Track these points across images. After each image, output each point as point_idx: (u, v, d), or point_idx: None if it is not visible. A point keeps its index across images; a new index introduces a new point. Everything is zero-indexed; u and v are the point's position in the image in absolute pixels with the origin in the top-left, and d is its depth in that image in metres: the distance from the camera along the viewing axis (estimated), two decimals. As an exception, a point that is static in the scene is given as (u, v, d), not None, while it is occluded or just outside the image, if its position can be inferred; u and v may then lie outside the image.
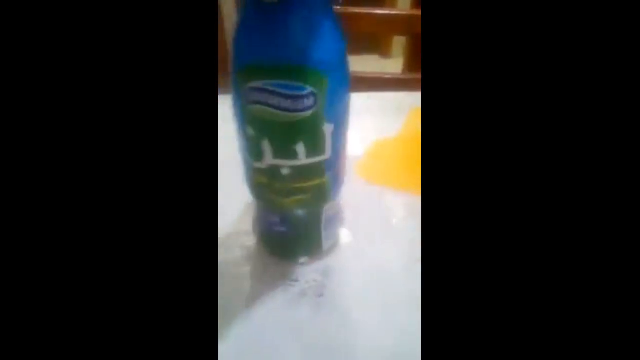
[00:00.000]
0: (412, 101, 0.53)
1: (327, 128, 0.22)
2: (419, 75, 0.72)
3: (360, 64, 1.18)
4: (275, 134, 0.22)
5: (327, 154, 0.24)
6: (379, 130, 0.47)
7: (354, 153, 0.38)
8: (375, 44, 2.60)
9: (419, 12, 0.74)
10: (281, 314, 0.27)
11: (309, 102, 0.21)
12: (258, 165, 0.24)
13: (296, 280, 0.30)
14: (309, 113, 0.21)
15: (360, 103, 0.35)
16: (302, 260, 0.31)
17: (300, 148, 0.22)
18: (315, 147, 0.23)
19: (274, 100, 0.21)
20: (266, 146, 0.23)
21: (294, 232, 0.29)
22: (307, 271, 0.30)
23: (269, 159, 0.23)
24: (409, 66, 1.75)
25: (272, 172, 0.24)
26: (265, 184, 0.25)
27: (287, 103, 0.21)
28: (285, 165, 0.23)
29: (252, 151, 0.24)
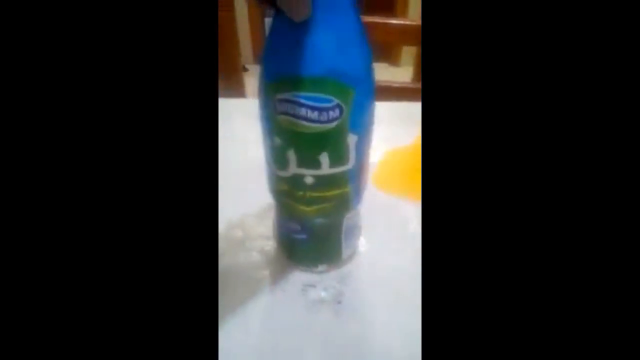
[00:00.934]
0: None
1: (351, 139, 0.23)
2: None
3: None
4: (300, 144, 0.23)
5: (350, 164, 0.24)
6: (390, 140, 0.48)
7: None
8: (385, 53, 2.61)
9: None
10: (300, 319, 0.28)
11: (334, 114, 0.21)
12: (282, 173, 0.25)
13: (314, 287, 0.30)
14: (334, 124, 0.22)
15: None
16: (321, 267, 0.31)
17: (324, 158, 0.23)
18: (338, 157, 0.24)
19: (301, 112, 0.21)
20: (291, 155, 0.23)
21: (314, 240, 0.29)
22: (326, 278, 0.31)
23: (293, 168, 0.24)
24: (418, 75, 1.76)
25: (296, 181, 0.25)
26: (287, 192, 0.26)
27: (313, 115, 0.21)
28: (309, 175, 0.24)
29: (277, 159, 0.24)
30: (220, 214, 0.34)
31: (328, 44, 0.20)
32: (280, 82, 0.21)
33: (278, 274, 0.31)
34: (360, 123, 0.23)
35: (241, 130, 0.50)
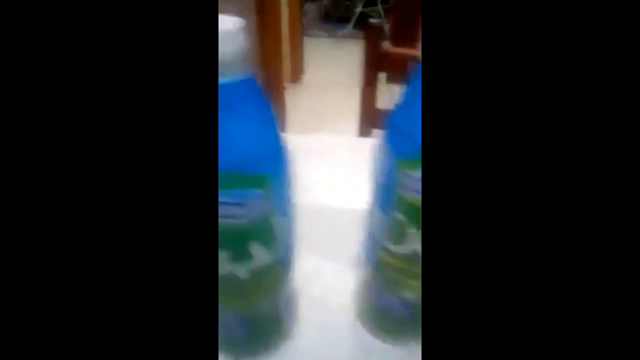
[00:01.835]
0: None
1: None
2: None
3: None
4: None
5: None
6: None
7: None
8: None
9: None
10: None
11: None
12: (397, 249, 0.23)
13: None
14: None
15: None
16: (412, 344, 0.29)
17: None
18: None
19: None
20: (413, 232, 0.22)
21: (413, 317, 0.27)
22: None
23: (413, 245, 0.22)
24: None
25: (412, 257, 0.23)
26: (398, 268, 0.24)
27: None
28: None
29: (396, 235, 0.23)
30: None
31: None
32: (412, 159, 0.20)
33: (360, 342, 0.29)
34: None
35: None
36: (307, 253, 0.28)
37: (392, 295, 0.27)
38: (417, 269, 0.23)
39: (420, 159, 0.19)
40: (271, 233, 0.22)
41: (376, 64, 0.73)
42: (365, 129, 0.76)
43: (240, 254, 0.22)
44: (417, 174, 0.20)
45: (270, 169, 0.20)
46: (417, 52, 0.18)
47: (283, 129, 0.22)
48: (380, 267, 0.26)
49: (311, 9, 2.76)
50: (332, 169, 0.46)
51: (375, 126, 0.75)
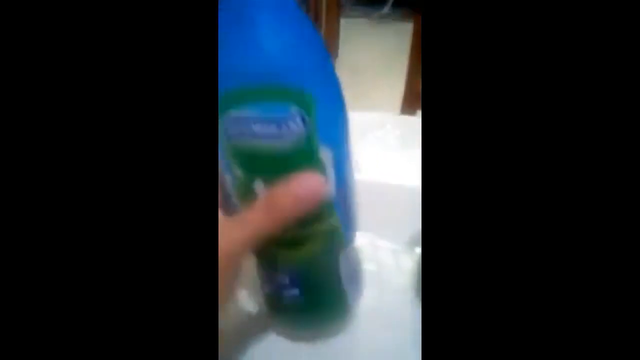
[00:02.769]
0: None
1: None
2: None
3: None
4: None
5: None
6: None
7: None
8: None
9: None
10: None
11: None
12: None
13: None
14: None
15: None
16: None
17: None
18: None
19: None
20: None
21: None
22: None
23: None
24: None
25: None
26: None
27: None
28: None
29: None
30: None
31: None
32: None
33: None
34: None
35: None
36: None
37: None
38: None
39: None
40: (319, 169, 0.19)
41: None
42: (408, 107, 0.74)
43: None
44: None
45: (315, 90, 0.18)
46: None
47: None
48: None
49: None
50: (376, 146, 0.43)
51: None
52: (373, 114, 0.47)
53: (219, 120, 0.18)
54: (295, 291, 0.23)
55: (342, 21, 2.25)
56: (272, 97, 0.17)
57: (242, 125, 0.18)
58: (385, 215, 0.31)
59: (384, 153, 0.41)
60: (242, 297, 0.28)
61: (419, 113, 0.71)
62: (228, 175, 0.20)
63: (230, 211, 0.20)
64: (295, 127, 0.17)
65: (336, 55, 2.19)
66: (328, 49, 0.19)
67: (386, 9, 2.51)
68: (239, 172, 0.19)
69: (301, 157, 0.18)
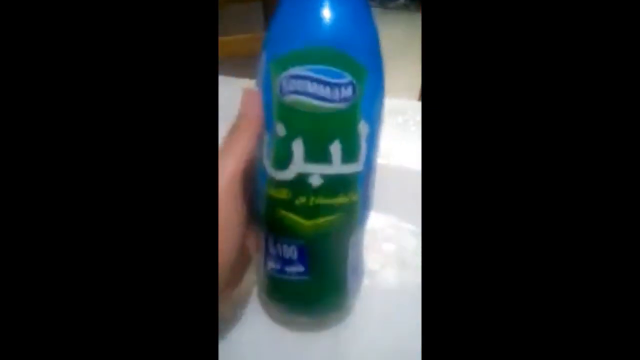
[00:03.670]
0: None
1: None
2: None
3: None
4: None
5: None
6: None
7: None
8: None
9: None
10: None
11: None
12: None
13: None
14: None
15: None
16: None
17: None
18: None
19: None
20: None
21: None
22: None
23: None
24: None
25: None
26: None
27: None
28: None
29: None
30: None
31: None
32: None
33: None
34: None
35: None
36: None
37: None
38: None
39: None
40: (355, 140, 0.21)
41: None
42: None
43: (318, 150, 0.20)
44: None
45: (367, 64, 0.20)
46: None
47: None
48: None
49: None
50: (398, 132, 0.44)
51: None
52: (394, 101, 0.48)
53: (275, 78, 0.20)
54: (300, 268, 0.23)
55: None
56: (331, 62, 0.20)
57: (298, 83, 0.20)
58: (405, 198, 0.32)
59: (405, 138, 0.42)
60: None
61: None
62: (267, 134, 0.21)
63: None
64: (346, 93, 0.20)
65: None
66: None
67: (402, 0, 2.48)
68: (282, 128, 0.20)
69: (343, 124, 0.20)
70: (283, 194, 0.21)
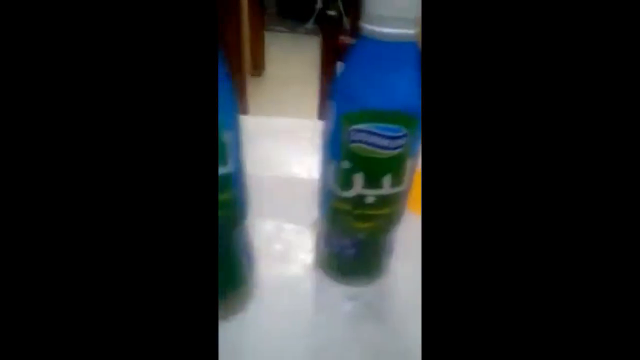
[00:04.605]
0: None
1: (410, 162, 0.27)
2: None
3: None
4: (369, 168, 0.26)
5: (406, 185, 0.28)
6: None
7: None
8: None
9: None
10: (343, 332, 0.31)
11: (402, 141, 0.25)
12: (345, 194, 0.28)
13: (355, 299, 0.33)
14: (400, 150, 0.25)
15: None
16: (364, 281, 0.34)
17: (387, 180, 0.27)
18: (398, 179, 0.27)
19: (375, 141, 0.25)
20: (358, 178, 0.27)
21: (361, 255, 0.32)
22: (365, 291, 0.34)
23: (357, 189, 0.27)
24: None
25: (358, 201, 0.28)
26: (346, 211, 0.29)
27: (385, 142, 0.25)
28: (371, 195, 0.27)
29: (342, 182, 0.28)
30: (257, 229, 0.36)
31: (403, 82, 0.23)
32: (358, 115, 0.24)
33: (320, 287, 0.34)
34: (415, 147, 0.27)
35: (265, 149, 0.52)
36: (269, 217, 0.39)
37: (341, 237, 0.32)
38: (360, 211, 0.28)
39: (362, 114, 0.24)
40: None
41: (333, 55, 0.75)
42: (324, 114, 0.81)
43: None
44: (362, 127, 0.25)
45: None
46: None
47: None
48: (332, 213, 0.30)
49: (272, 4, 2.77)
50: (292, 147, 0.52)
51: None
52: (306, 121, 0.58)
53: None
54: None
55: (267, 35, 2.31)
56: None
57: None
58: (288, 203, 0.41)
59: (295, 152, 0.52)
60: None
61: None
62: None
63: None
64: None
65: (262, 68, 2.25)
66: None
67: (310, 24, 2.58)
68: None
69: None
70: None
